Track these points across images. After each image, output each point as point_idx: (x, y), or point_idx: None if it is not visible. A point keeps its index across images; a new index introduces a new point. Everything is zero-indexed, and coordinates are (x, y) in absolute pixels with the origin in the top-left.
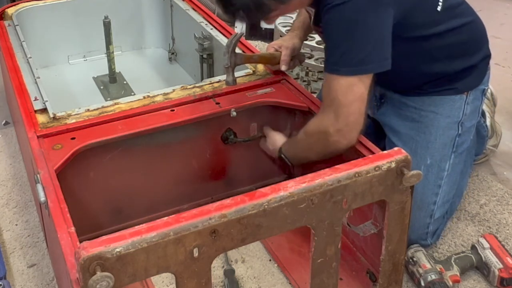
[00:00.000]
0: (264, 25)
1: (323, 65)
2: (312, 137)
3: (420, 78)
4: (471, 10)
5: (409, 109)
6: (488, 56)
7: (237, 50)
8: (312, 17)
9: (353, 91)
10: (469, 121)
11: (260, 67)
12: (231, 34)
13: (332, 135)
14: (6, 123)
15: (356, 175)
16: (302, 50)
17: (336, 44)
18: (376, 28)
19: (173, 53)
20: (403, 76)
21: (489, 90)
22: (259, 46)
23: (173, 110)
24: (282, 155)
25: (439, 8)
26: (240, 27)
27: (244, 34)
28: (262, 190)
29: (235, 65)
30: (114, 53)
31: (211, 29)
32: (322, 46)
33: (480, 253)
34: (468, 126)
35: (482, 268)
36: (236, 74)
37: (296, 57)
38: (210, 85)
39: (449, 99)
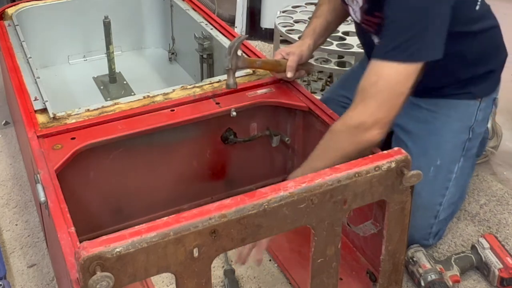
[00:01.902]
0: (264, 25)
1: (323, 65)
2: (341, 134)
3: (444, 80)
4: (494, 15)
5: (422, 111)
6: (503, 62)
7: (239, 54)
8: (366, 6)
9: (409, 81)
10: (478, 128)
11: None
12: (231, 34)
13: (371, 128)
14: (6, 123)
15: (356, 175)
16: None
17: (401, 30)
18: (440, 16)
19: (173, 53)
20: (429, 77)
21: None
22: (259, 46)
23: (173, 110)
24: None
25: (477, 7)
26: (240, 27)
27: (247, 36)
28: (262, 190)
29: (236, 67)
30: (114, 53)
31: (211, 29)
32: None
33: (480, 253)
34: (477, 132)
35: (482, 268)
36: (236, 74)
37: (304, 66)
38: (210, 85)
39: (464, 103)
